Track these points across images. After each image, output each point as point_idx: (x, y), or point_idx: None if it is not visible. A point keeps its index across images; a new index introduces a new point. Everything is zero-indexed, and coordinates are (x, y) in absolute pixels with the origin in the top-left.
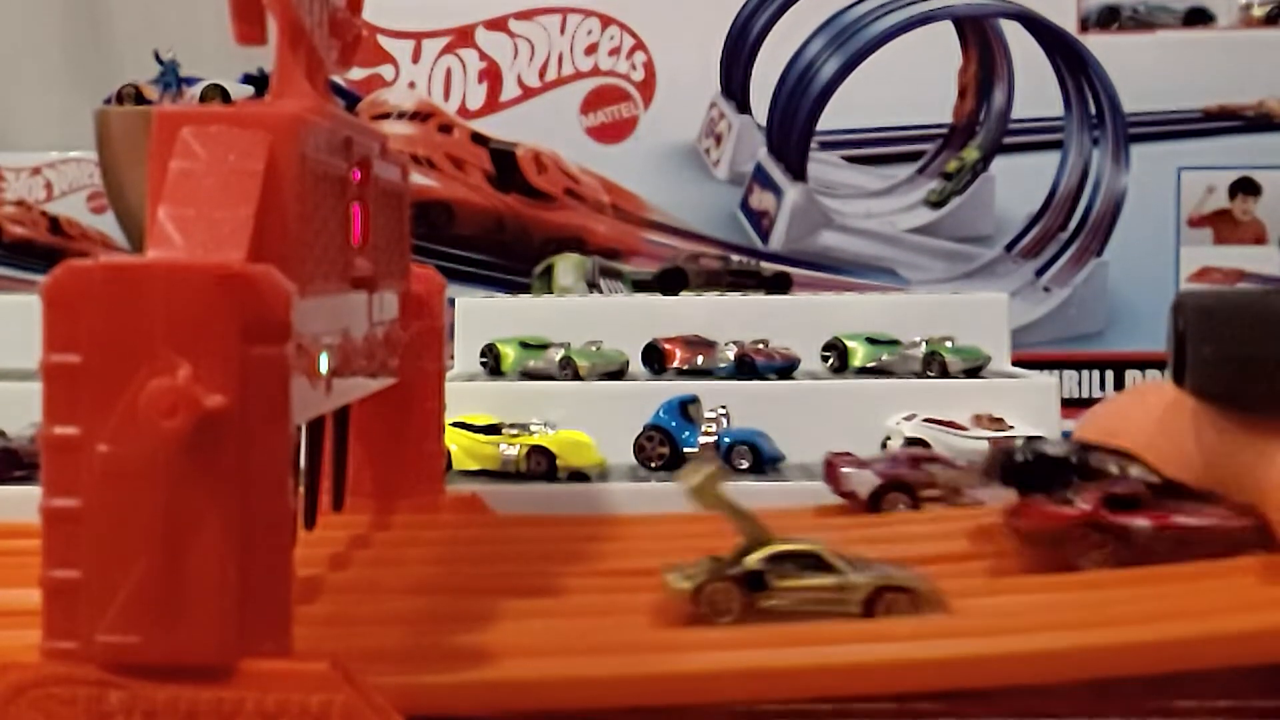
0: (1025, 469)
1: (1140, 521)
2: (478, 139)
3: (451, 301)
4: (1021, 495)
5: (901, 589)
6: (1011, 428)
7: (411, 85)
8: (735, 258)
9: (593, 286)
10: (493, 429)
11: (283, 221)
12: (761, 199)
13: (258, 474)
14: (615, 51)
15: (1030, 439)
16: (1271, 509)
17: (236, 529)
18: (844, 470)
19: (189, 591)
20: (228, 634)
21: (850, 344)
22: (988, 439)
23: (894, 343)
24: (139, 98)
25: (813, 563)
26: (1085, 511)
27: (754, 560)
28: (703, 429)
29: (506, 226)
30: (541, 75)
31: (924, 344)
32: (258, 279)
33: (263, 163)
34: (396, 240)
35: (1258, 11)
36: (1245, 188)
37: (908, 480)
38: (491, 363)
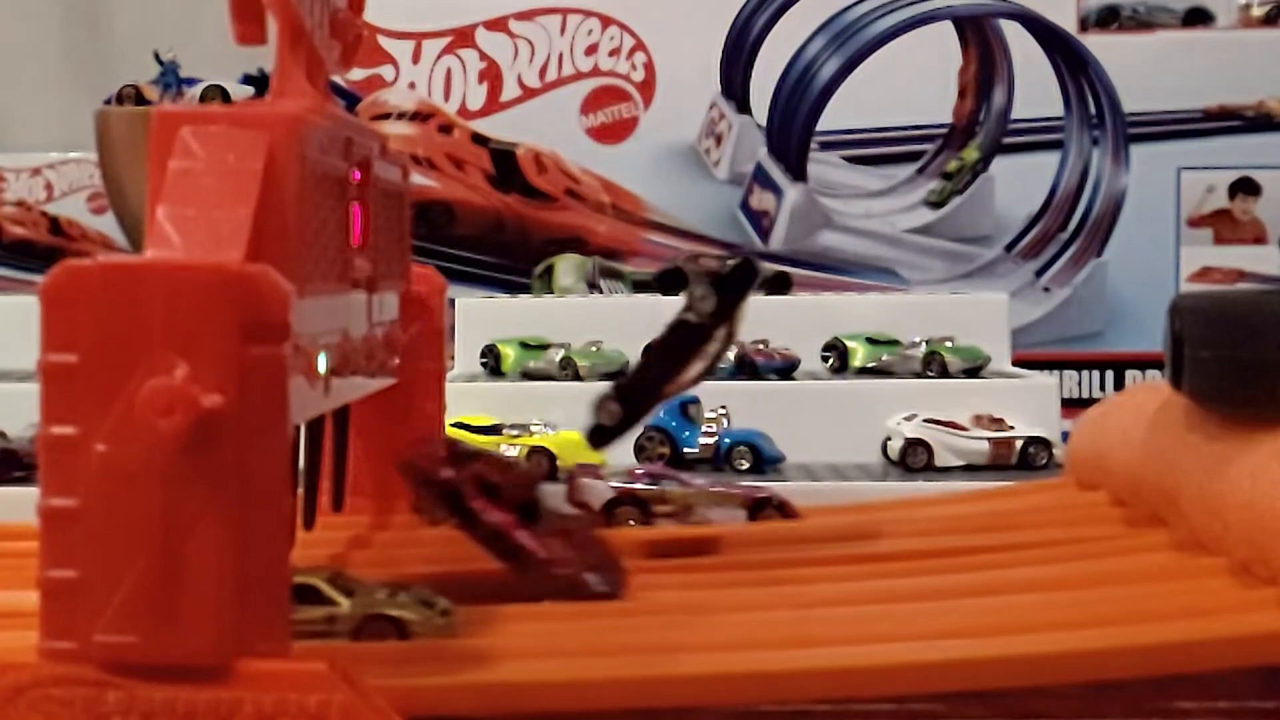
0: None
1: (492, 516)
2: (478, 139)
3: (452, 302)
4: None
5: (389, 619)
6: (1012, 428)
7: (411, 86)
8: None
9: (593, 287)
10: (493, 429)
11: (282, 222)
12: (761, 199)
13: (255, 474)
14: (615, 52)
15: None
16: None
17: (234, 529)
18: (581, 481)
19: (187, 591)
20: (225, 634)
21: (850, 344)
22: (988, 439)
23: (894, 343)
24: (139, 98)
25: (310, 595)
26: (442, 474)
27: None
28: (703, 429)
29: (506, 227)
30: (542, 75)
31: (924, 344)
32: (256, 279)
33: (262, 163)
34: (396, 240)
35: (1257, 11)
36: (1245, 188)
37: (640, 495)
38: (492, 363)
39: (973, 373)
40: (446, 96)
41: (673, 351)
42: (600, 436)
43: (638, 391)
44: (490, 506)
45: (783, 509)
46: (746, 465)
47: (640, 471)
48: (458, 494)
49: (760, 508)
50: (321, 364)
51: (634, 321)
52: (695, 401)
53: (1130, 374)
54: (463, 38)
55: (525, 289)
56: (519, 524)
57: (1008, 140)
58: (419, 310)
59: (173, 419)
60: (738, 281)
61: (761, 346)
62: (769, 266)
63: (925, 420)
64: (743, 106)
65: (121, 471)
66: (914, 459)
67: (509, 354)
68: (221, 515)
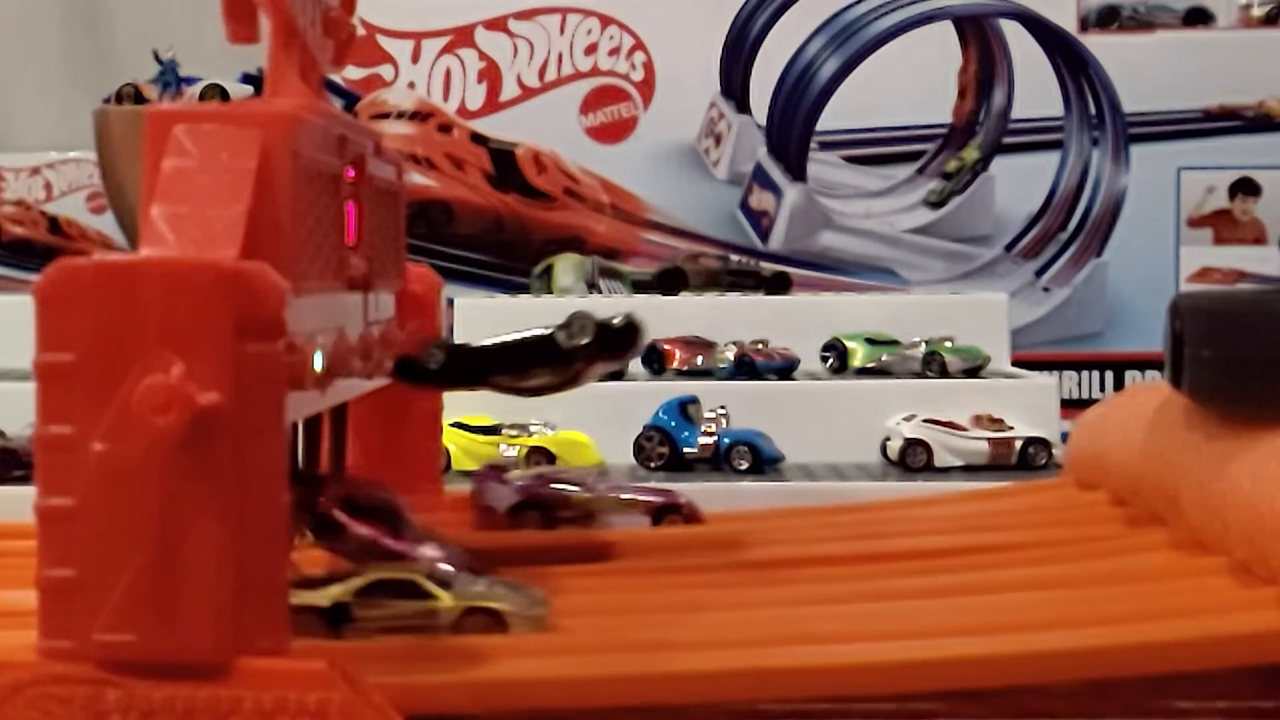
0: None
1: (359, 528)
2: (477, 139)
3: (451, 302)
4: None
5: (488, 611)
6: (1011, 428)
7: (411, 85)
8: (735, 258)
9: (592, 287)
10: (492, 429)
11: (276, 219)
12: (761, 199)
13: (253, 471)
14: (615, 51)
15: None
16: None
17: (232, 526)
18: (486, 484)
19: (185, 589)
20: (224, 631)
21: (850, 344)
22: (987, 439)
23: (894, 343)
24: (138, 97)
25: (408, 589)
26: (318, 499)
27: (343, 592)
28: (702, 429)
29: (506, 226)
30: (541, 75)
31: (924, 344)
32: (251, 276)
33: (255, 161)
34: (392, 239)
35: (1257, 11)
36: (1245, 188)
37: (544, 500)
38: None
39: (972, 373)
40: (446, 96)
41: (524, 355)
42: (409, 371)
43: (467, 360)
44: (355, 520)
45: (687, 516)
46: (746, 465)
47: (545, 475)
48: (324, 515)
49: (664, 514)
50: (317, 362)
51: None
52: (694, 401)
53: (1130, 374)
54: (462, 37)
55: (524, 289)
56: (386, 531)
57: (1008, 140)
58: (415, 309)
59: (169, 417)
60: (618, 340)
61: (761, 346)
62: (768, 266)
63: (925, 420)
64: (742, 106)
65: (118, 470)
66: (913, 459)
67: None
68: (219, 512)
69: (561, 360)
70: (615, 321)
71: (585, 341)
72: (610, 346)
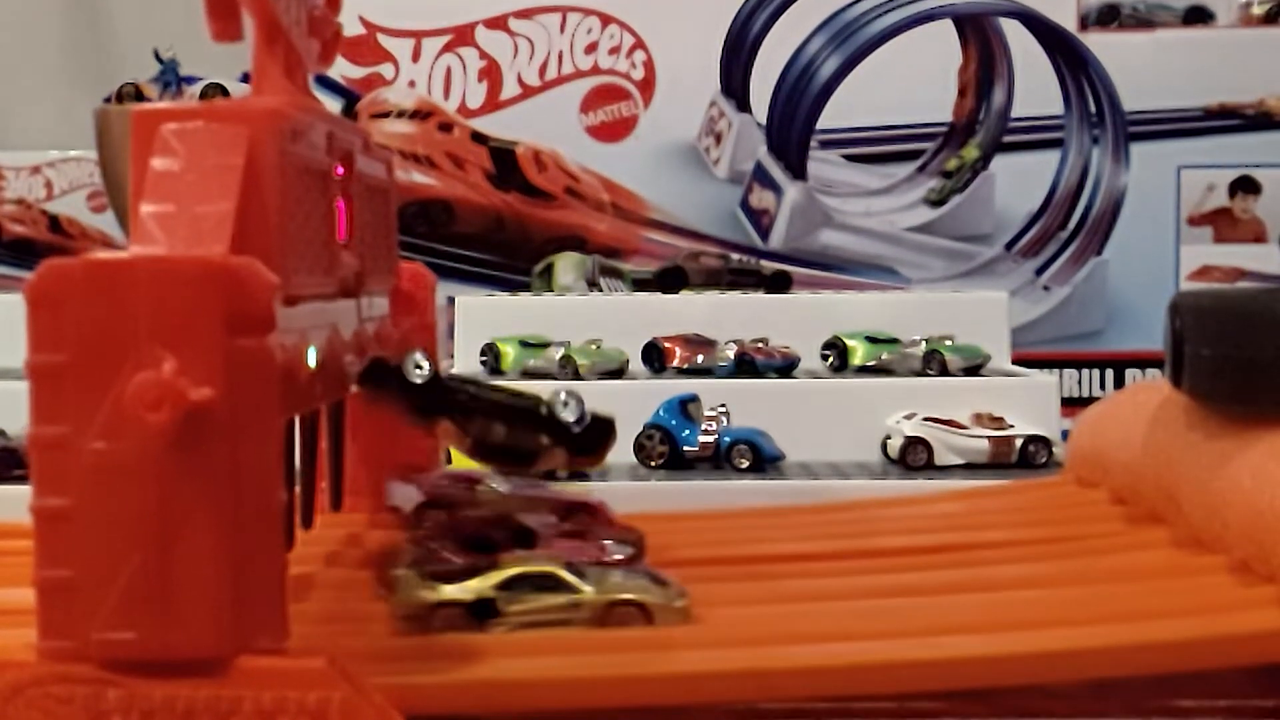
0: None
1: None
2: (478, 138)
3: (451, 300)
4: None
5: (633, 603)
6: (1012, 426)
7: (411, 84)
8: (735, 256)
9: (593, 285)
10: None
11: (264, 216)
12: (761, 197)
13: (247, 466)
14: (615, 50)
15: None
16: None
17: (228, 521)
18: (393, 484)
19: (182, 586)
20: (223, 626)
21: (850, 343)
22: (988, 437)
23: (894, 341)
24: (139, 96)
25: (549, 582)
26: (435, 551)
27: (487, 586)
28: (703, 428)
29: (506, 225)
30: (541, 74)
31: (924, 342)
32: (239, 271)
33: (242, 158)
34: (384, 236)
35: (1257, 10)
36: (1245, 186)
37: (450, 499)
38: (491, 361)
39: (972, 371)
40: (446, 95)
41: (500, 406)
42: (375, 375)
43: (445, 388)
44: (468, 554)
45: (595, 515)
46: (746, 464)
47: (453, 475)
48: (447, 572)
49: (572, 514)
50: (311, 357)
51: (634, 320)
52: (695, 399)
53: (1130, 372)
54: (462, 36)
55: (525, 287)
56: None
57: (1008, 139)
58: (409, 306)
59: (161, 413)
60: (591, 433)
61: (761, 345)
62: (769, 265)
63: (925, 419)
64: (743, 105)
65: (113, 468)
66: (914, 457)
67: (509, 352)
68: (215, 508)
69: (534, 426)
70: (591, 417)
71: (569, 419)
72: (581, 437)
